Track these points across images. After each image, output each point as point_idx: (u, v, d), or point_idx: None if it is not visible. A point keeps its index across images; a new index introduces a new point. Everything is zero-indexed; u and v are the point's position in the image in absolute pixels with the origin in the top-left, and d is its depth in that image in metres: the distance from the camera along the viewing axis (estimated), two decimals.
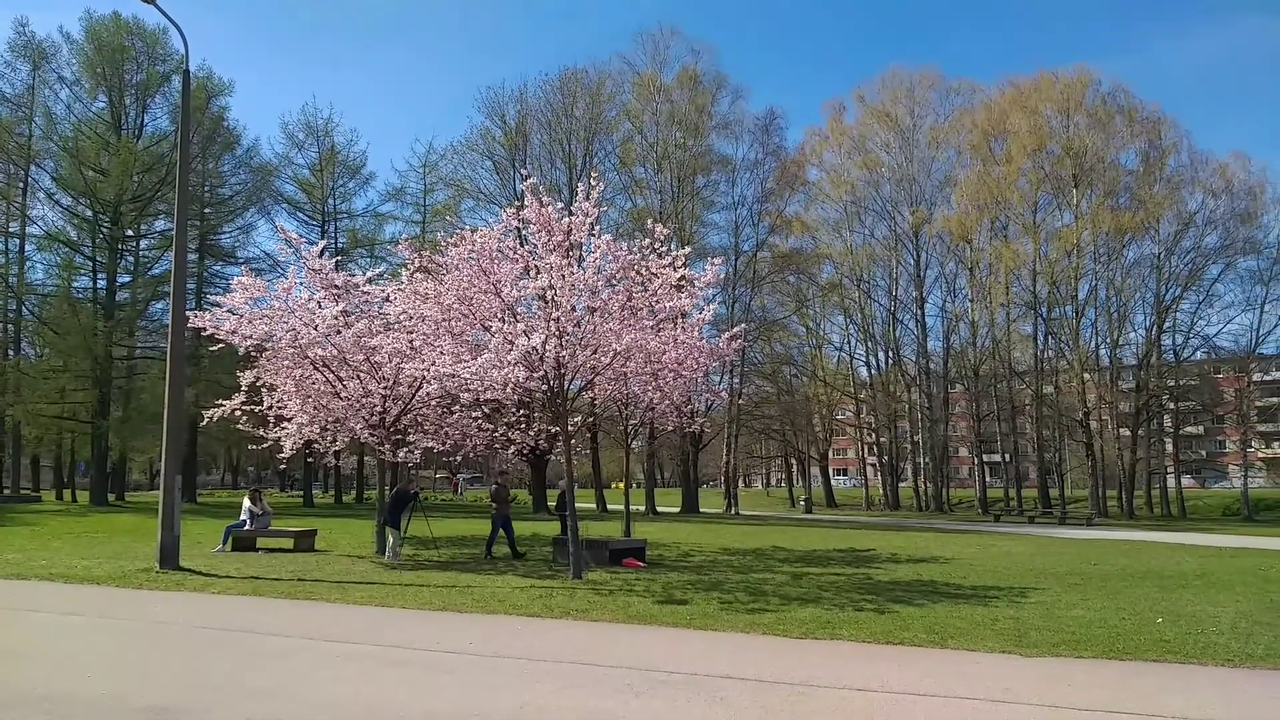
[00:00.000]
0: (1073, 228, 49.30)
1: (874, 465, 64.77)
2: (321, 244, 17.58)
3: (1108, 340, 51.03)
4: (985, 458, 58.54)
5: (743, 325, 24.14)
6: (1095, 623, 9.45)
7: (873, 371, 59.81)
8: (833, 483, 69.61)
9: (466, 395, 15.22)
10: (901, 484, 60.89)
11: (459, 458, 19.15)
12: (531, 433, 17.67)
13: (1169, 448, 54.05)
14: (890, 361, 58.81)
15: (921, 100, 57.11)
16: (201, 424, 20.41)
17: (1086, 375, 49.99)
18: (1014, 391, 55.06)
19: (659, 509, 43.96)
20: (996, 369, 54.24)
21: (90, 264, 41.06)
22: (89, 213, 40.33)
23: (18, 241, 43.10)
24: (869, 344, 59.45)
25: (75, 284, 41.80)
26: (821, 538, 24.52)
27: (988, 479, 57.64)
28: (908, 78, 57.52)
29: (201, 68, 42.55)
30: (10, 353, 44.30)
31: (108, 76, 40.91)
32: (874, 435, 61.46)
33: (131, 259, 42.91)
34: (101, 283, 41.12)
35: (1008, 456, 56.89)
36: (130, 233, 41.73)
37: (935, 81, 57.53)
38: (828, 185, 57.98)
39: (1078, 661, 7.61)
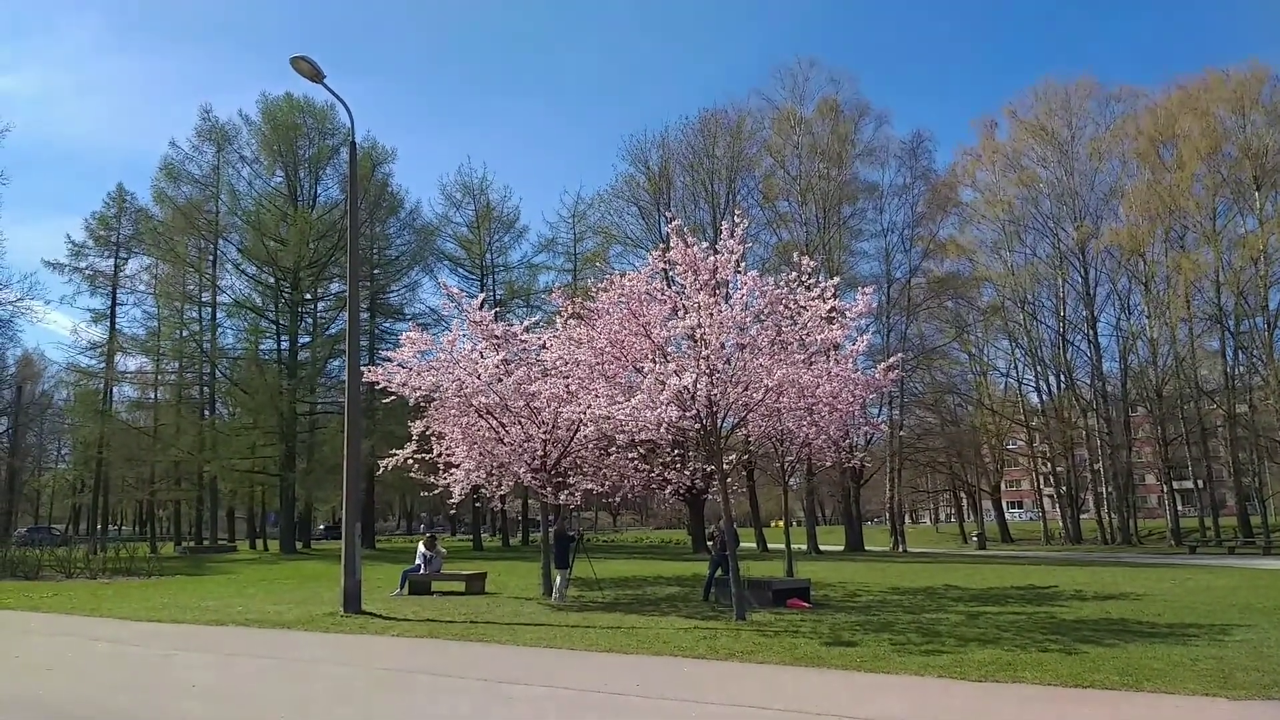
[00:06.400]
0: (1257, 233, 45.46)
1: (1051, 496, 61.23)
2: (481, 297, 18.44)
3: None
4: (1175, 485, 54.28)
5: (900, 355, 23.51)
6: None
7: (1044, 397, 56.66)
8: (1007, 516, 66.15)
9: (622, 436, 15.44)
10: (1083, 515, 57.19)
11: (617, 498, 19.38)
12: (687, 472, 17.69)
13: None
14: (1063, 386, 55.60)
15: (1079, 111, 54.38)
16: (378, 473, 21.57)
17: None
18: (1203, 412, 50.96)
19: (821, 547, 43.01)
20: (1182, 389, 50.47)
21: (274, 327, 44.37)
22: (271, 279, 43.64)
23: (210, 310, 47.15)
24: (1038, 368, 56.38)
25: (261, 346, 45.29)
26: (997, 575, 23.30)
27: (1179, 508, 53.42)
28: (1062, 89, 54.97)
29: (366, 138, 45.65)
30: (206, 413, 48.28)
31: (283, 153, 44.38)
32: (1049, 465, 58.12)
33: (310, 320, 46.04)
34: (284, 344, 44.33)
35: (1200, 483, 52.57)
36: (308, 296, 44.88)
37: (1093, 90, 54.73)
38: (982, 205, 55.97)
39: None
